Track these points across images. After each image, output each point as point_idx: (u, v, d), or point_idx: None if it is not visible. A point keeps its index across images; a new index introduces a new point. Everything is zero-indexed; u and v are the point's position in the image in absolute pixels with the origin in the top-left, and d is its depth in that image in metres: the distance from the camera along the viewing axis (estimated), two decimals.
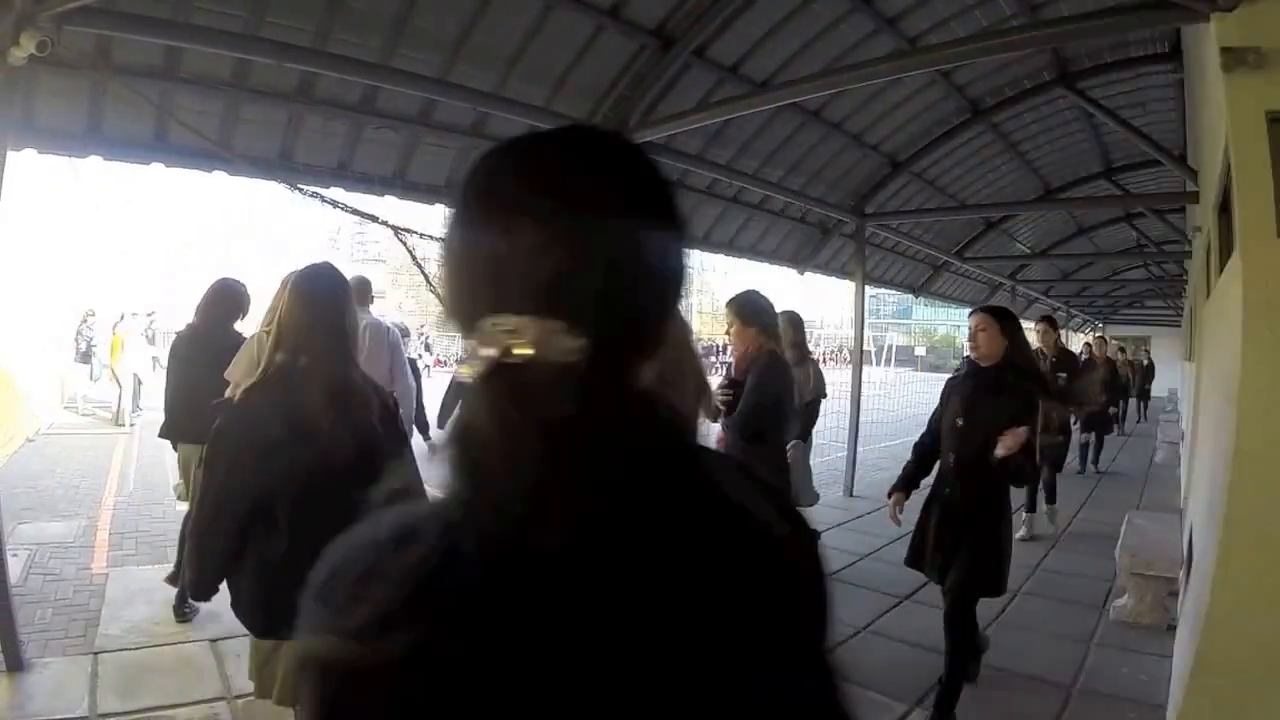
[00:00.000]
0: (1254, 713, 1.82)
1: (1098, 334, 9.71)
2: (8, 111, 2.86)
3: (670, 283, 0.52)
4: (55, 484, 6.27)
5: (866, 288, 7.94)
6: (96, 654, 3.01)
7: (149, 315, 10.70)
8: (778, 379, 2.94)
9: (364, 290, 3.71)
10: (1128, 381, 12.30)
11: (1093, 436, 8.18)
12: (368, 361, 2.58)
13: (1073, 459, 7.55)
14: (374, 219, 3.80)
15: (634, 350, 0.51)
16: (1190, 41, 4.10)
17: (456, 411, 0.49)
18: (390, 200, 4.44)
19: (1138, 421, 13.97)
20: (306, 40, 3.45)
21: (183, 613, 3.37)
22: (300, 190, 3.61)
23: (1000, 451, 2.51)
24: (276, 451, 1.70)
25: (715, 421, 2.98)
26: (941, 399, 2.96)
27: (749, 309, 3.05)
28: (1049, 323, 5.69)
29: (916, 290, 10.95)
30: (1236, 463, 1.90)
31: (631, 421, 0.48)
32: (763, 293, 3.14)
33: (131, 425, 9.47)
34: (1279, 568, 1.78)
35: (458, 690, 0.42)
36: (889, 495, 3.04)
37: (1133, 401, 13.64)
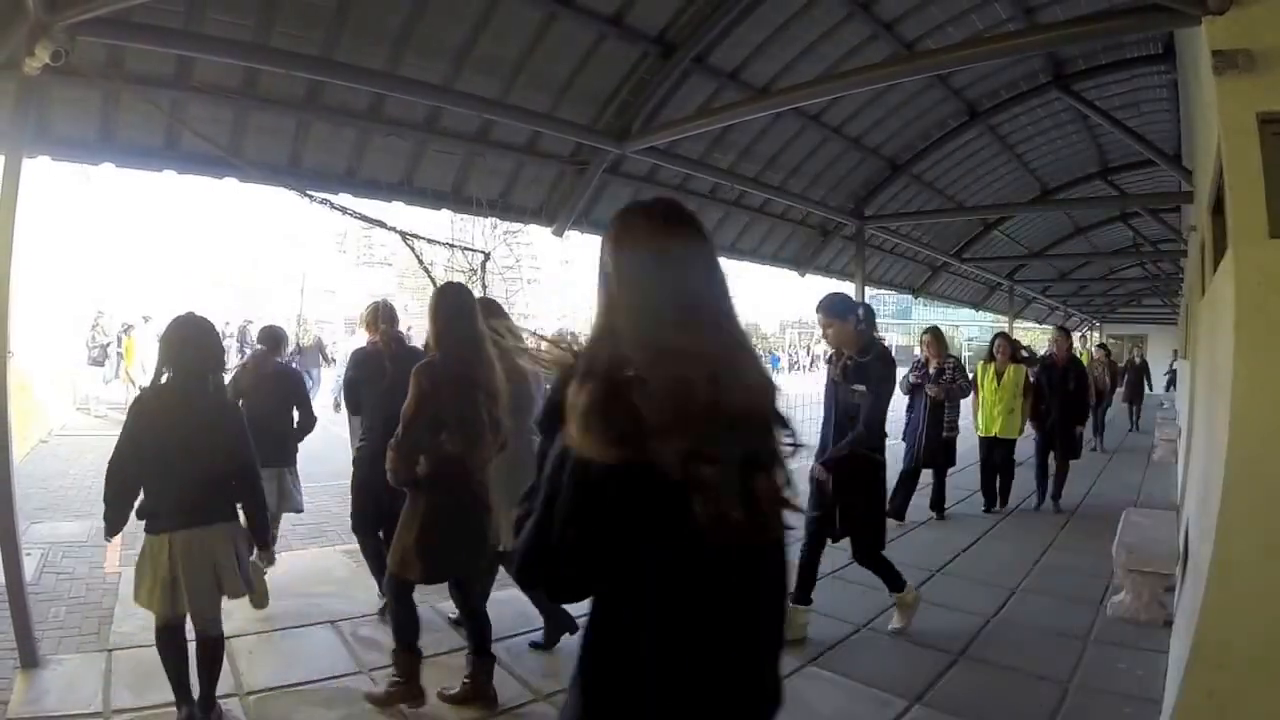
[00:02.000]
0: (1251, 707, 1.84)
1: (1060, 326, 7.93)
2: (23, 120, 2.92)
3: None
4: (68, 484, 6.32)
5: (866, 289, 8.00)
6: (110, 651, 3.05)
7: (146, 320, 10.75)
8: (350, 367, 3.63)
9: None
10: (1103, 388, 10.36)
11: (1051, 459, 6.33)
12: None
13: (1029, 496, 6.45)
14: (381, 224, 3.86)
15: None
16: (1183, 44, 4.15)
17: None
18: (397, 205, 4.49)
19: (1129, 431, 11.99)
20: (315, 49, 3.52)
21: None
22: (309, 196, 3.66)
23: None
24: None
25: None
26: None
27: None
28: (826, 311, 3.36)
29: (916, 291, 11.02)
30: (1230, 459, 1.92)
31: None
32: (388, 299, 3.86)
33: None
34: (1274, 562, 1.80)
35: None
36: None
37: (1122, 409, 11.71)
